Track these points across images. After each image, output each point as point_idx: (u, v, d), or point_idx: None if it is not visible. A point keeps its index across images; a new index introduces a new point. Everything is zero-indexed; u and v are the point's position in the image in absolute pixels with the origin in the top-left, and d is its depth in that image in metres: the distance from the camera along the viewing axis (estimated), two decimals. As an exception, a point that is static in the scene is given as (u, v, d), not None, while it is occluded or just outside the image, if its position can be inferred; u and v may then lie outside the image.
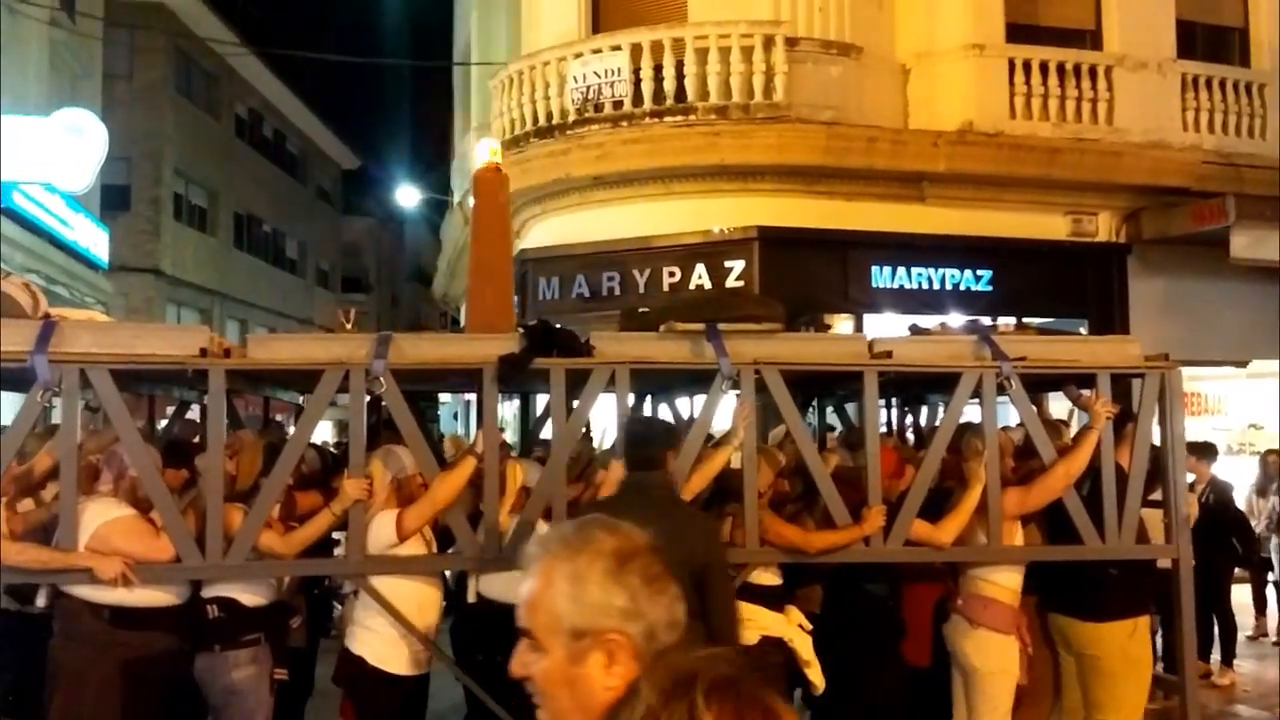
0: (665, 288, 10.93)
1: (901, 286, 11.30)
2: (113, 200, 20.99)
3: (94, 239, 18.49)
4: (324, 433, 14.82)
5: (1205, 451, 8.80)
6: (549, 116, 11.24)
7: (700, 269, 10.92)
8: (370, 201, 36.23)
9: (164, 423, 6.38)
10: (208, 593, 4.51)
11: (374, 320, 33.56)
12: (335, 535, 4.95)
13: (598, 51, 10.96)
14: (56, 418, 4.70)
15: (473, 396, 12.95)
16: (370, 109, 33.90)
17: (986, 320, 7.01)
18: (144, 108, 22.79)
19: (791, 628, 4.94)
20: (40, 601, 4.40)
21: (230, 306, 26.41)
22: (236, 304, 26.69)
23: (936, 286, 11.37)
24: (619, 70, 10.76)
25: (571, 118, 11.04)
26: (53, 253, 16.80)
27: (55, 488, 4.50)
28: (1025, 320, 10.55)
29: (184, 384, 5.32)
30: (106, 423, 4.63)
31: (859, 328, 11.03)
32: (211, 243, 26.20)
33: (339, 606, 7.53)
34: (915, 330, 5.61)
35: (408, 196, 25.34)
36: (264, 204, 29.43)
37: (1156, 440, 5.19)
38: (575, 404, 4.82)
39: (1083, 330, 11.35)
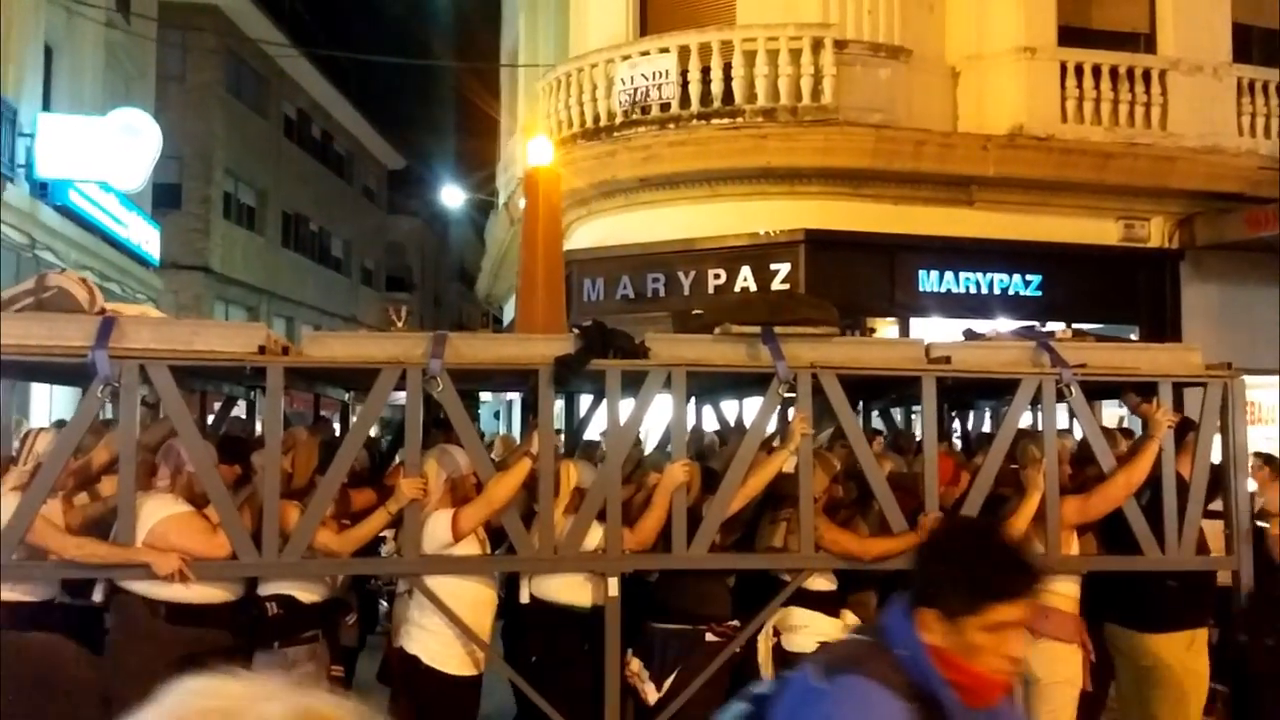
0: (710, 290, 10.92)
1: (949, 291, 11.20)
2: (164, 199, 21.30)
3: (146, 236, 18.77)
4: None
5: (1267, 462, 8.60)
6: (596, 118, 11.25)
7: (746, 271, 10.89)
8: (415, 201, 36.47)
9: (211, 419, 6.43)
10: (265, 590, 4.53)
11: (417, 319, 33.81)
12: (383, 534, 4.97)
13: (645, 54, 10.97)
14: (107, 412, 4.73)
15: (515, 396, 13.00)
16: (416, 110, 34.10)
17: (1035, 325, 6.92)
18: (196, 108, 23.12)
19: (848, 633, 4.91)
20: (97, 596, 4.42)
21: (277, 304, 26.71)
22: (283, 302, 26.99)
23: (984, 291, 11.26)
24: (666, 72, 10.76)
25: (619, 120, 11.05)
26: (106, 250, 17.07)
27: (111, 482, 4.52)
28: (1077, 326, 10.48)
29: (234, 380, 5.36)
30: (156, 418, 4.67)
31: (905, 332, 10.97)
32: (259, 241, 26.51)
33: (385, 604, 7.59)
34: (970, 335, 5.55)
35: (452, 197, 25.48)
36: (311, 203, 29.74)
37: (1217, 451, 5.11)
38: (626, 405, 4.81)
39: (1133, 337, 11.20)
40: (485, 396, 17.65)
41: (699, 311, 5.37)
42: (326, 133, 31.24)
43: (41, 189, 14.97)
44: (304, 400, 7.80)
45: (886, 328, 11.23)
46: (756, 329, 4.88)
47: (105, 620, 4.42)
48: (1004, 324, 8.40)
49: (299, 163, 29.03)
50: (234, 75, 25.09)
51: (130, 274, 18.28)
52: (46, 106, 15.63)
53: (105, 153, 15.07)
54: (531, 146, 5.79)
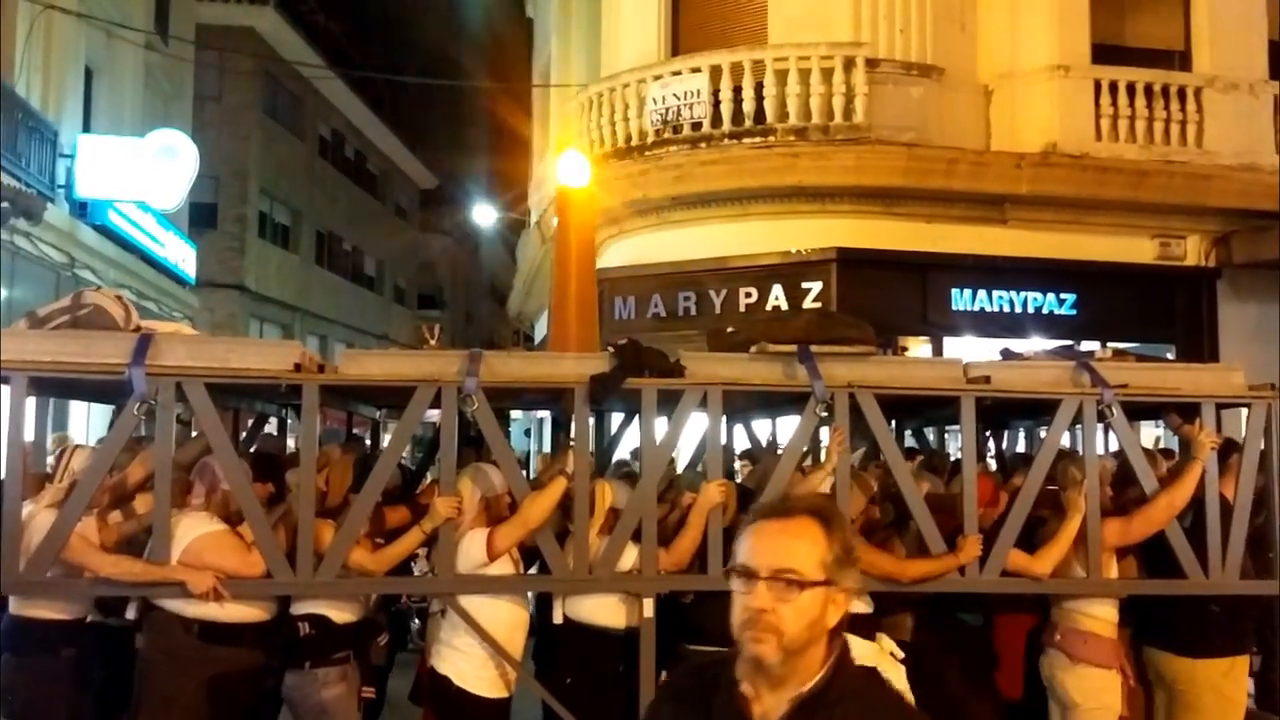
0: (742, 308, 10.89)
1: (982, 309, 11.13)
2: (200, 218, 21.57)
3: (182, 255, 19.00)
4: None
5: None
6: (628, 138, 11.29)
7: (777, 289, 10.86)
8: (447, 220, 36.75)
9: (243, 436, 6.44)
10: (298, 609, 4.53)
11: (449, 337, 33.96)
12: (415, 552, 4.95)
13: (677, 73, 11.00)
14: (140, 430, 4.74)
15: (545, 414, 13.03)
16: (449, 129, 34.35)
17: (1073, 345, 6.84)
18: (232, 128, 23.42)
19: (884, 656, 4.80)
20: (130, 614, 4.42)
21: (310, 322, 26.94)
22: (316, 320, 27.22)
23: (1018, 310, 11.17)
24: (698, 92, 10.78)
25: (650, 139, 11.08)
26: (144, 269, 17.29)
27: (146, 500, 4.53)
28: (1114, 345, 10.35)
29: (267, 398, 5.37)
30: (190, 436, 4.68)
31: (938, 351, 10.89)
32: (293, 260, 26.77)
33: (416, 622, 7.57)
34: (1007, 355, 5.49)
35: (484, 215, 25.67)
36: (344, 222, 30.02)
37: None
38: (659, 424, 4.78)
39: (1169, 356, 11.05)
40: (515, 414, 17.67)
41: (733, 329, 5.32)
42: (360, 153, 31.55)
43: (81, 209, 15.20)
44: (336, 418, 7.82)
45: (919, 347, 11.14)
46: (793, 348, 4.84)
47: (136, 640, 4.42)
48: (1040, 343, 8.33)
49: (333, 182, 29.33)
50: (270, 96, 25.41)
51: (167, 292, 18.50)
52: (86, 128, 15.88)
53: (143, 173, 15.27)
54: (562, 163, 5.77)
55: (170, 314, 18.25)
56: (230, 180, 23.59)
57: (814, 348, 4.81)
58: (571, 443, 4.76)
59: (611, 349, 4.88)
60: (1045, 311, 11.24)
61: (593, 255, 5.79)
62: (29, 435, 4.95)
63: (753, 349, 4.89)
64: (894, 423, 6.42)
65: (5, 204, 10.72)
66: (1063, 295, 11.25)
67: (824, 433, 5.18)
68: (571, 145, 11.50)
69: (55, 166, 14.58)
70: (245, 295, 23.76)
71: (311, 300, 27.00)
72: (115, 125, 16.51)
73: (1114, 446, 5.39)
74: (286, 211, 26.57)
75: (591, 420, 7.23)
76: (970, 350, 10.07)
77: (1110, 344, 10.42)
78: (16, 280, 12.76)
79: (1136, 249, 11.33)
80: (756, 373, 4.85)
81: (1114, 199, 10.95)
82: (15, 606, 4.43)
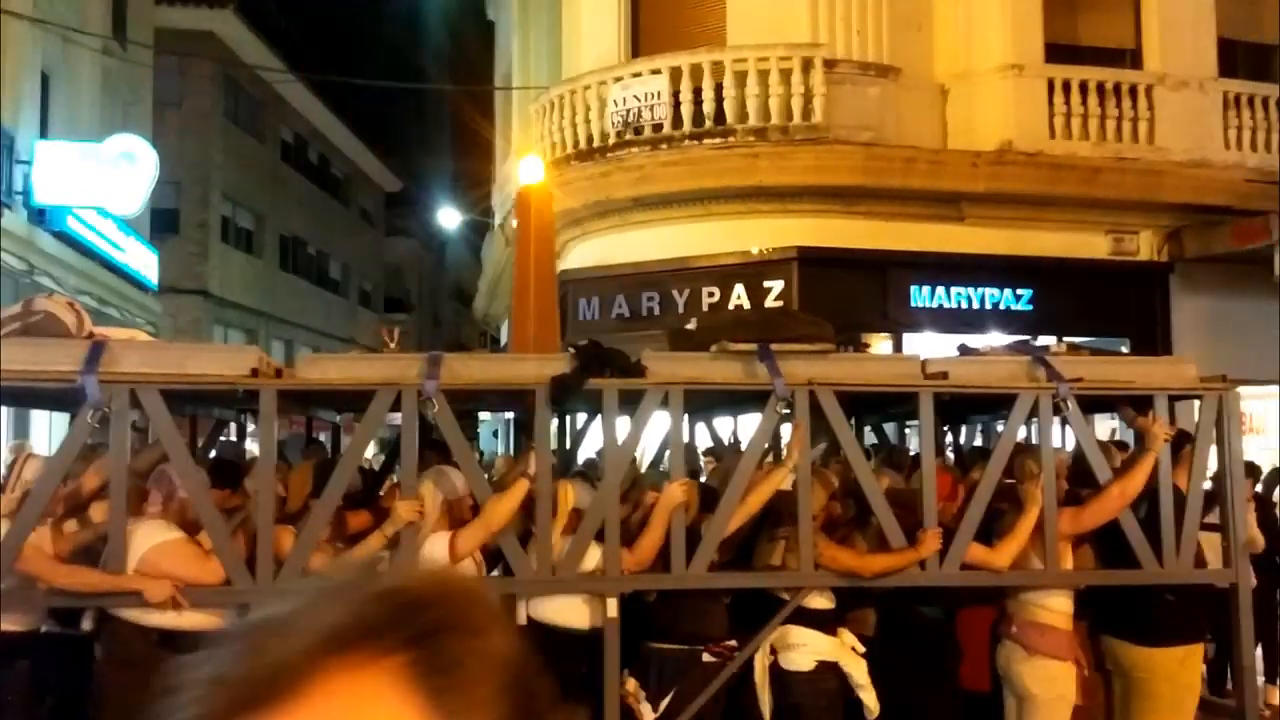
0: (705, 308, 10.92)
1: (941, 306, 11.23)
2: (162, 223, 21.31)
3: (144, 261, 18.78)
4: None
5: (1248, 471, 8.62)
6: (589, 139, 11.29)
7: (739, 289, 10.91)
8: (413, 223, 36.58)
9: (200, 442, 6.38)
10: (258, 615, 4.50)
11: (416, 340, 33.77)
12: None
13: (637, 75, 11.02)
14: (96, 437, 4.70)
15: (512, 415, 13.01)
16: (413, 132, 34.21)
17: (1029, 340, 6.93)
18: (193, 133, 23.16)
19: (845, 651, 4.89)
20: (86, 624, 4.38)
21: (276, 327, 26.69)
22: (282, 324, 26.98)
23: (976, 306, 11.29)
24: (658, 93, 10.80)
25: (612, 140, 11.09)
26: (104, 275, 17.09)
27: (101, 508, 4.49)
28: (1070, 340, 10.49)
29: (225, 404, 5.34)
30: (145, 443, 4.64)
31: (898, 347, 10.98)
32: (258, 264, 26.53)
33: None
34: (965, 350, 5.56)
35: (449, 218, 25.57)
36: (309, 226, 29.77)
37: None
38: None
39: (1124, 349, 11.21)
40: (484, 415, 17.63)
41: (692, 327, 5.35)
42: (324, 156, 31.31)
43: (39, 215, 15.00)
44: (298, 424, 7.76)
45: (880, 343, 11.23)
46: (753, 346, 4.88)
47: (94, 650, 4.37)
48: (997, 339, 8.43)
49: (296, 186, 29.08)
50: (231, 101, 25.15)
51: (129, 299, 18.30)
52: (44, 134, 15.66)
53: (102, 179, 15.10)
54: (522, 165, 5.80)
55: (133, 320, 18.05)
56: (192, 185, 23.33)
57: (774, 346, 4.85)
58: (533, 444, 4.76)
59: (572, 350, 4.89)
60: (1003, 307, 11.36)
61: (553, 257, 5.80)
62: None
63: (713, 348, 4.92)
64: (854, 419, 6.48)
65: (-42, 212, 10.55)
66: (1019, 291, 11.37)
67: (786, 430, 5.22)
68: (532, 149, 11.56)
69: (12, 173, 14.38)
70: (209, 300, 23.50)
71: (276, 305, 26.76)
72: (73, 131, 16.29)
73: (1071, 440, 5.47)
74: (250, 216, 26.33)
75: (555, 421, 7.29)
76: (930, 346, 10.16)
77: (1066, 338, 10.64)
78: (-29, 289, 12.59)
79: (1091, 245, 11.48)
80: (717, 372, 4.89)
81: (1068, 195, 11.08)
82: (-32, 617, 4.38)
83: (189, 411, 5.70)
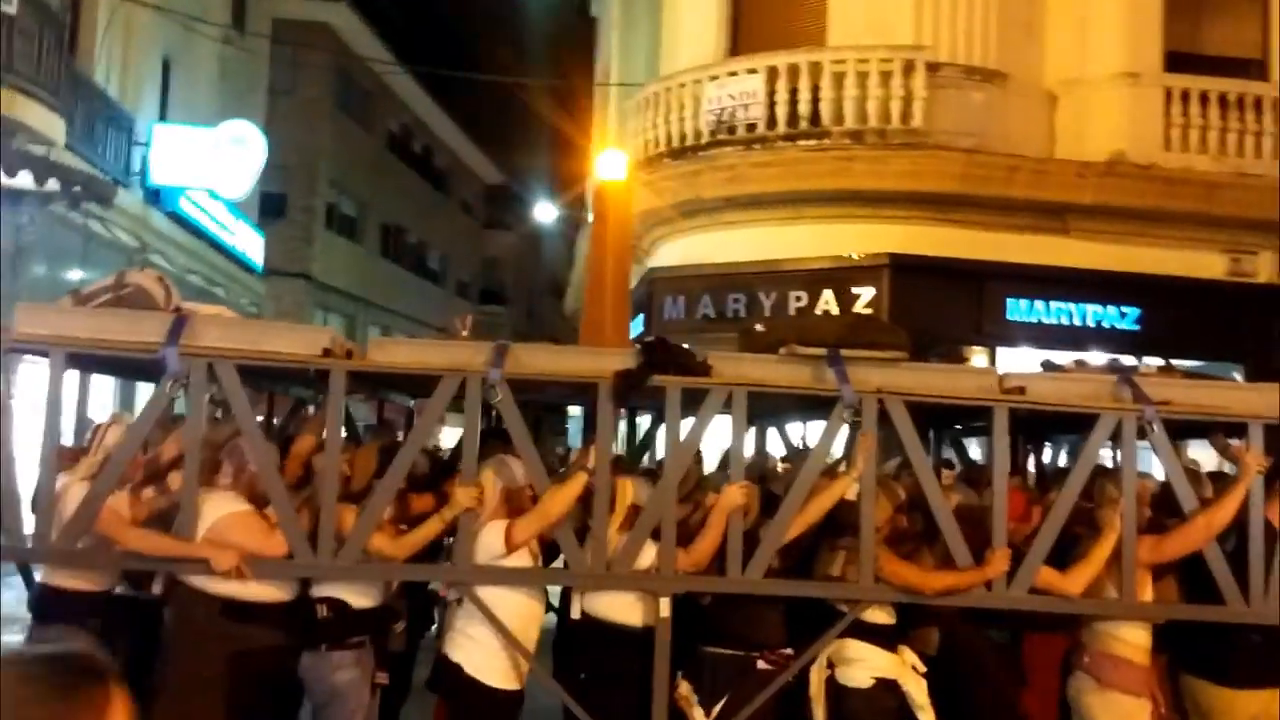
0: (791, 311, 10.80)
1: (1039, 321, 10.90)
2: (270, 208, 22.00)
3: (251, 244, 19.41)
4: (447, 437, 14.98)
5: None
6: (682, 138, 11.26)
7: (828, 294, 10.75)
8: (511, 216, 37.05)
9: (278, 421, 6.50)
10: (318, 592, 4.57)
11: (509, 331, 34.19)
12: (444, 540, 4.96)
13: (734, 74, 10.95)
14: (180, 408, 4.83)
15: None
16: (514, 126, 34.64)
17: (1130, 360, 6.66)
18: (304, 121, 23.84)
19: (905, 669, 4.75)
20: (156, 588, 4.49)
21: (374, 313, 27.32)
22: (380, 310, 27.60)
23: (1078, 322, 10.93)
24: (754, 93, 10.71)
25: (704, 139, 11.04)
26: (213, 255, 17.70)
27: (178, 476, 4.59)
28: (1176, 363, 10.06)
29: (302, 383, 5.43)
30: (227, 417, 4.75)
31: (993, 362, 10.66)
32: (359, 251, 27.18)
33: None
34: (1048, 366, 5.35)
35: (545, 212, 25.85)
36: (410, 216, 30.41)
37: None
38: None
39: (1237, 376, 10.70)
40: (574, 411, 17.73)
41: (761, 328, 5.26)
42: (428, 147, 31.93)
43: (154, 196, 15.60)
44: (395, 409, 7.82)
45: (976, 356, 10.94)
46: (822, 350, 4.77)
47: (164, 614, 4.50)
48: (1094, 356, 8.12)
49: (400, 176, 29.71)
50: (341, 90, 25.82)
51: (235, 279, 18.91)
52: (163, 117, 16.29)
53: (214, 162, 15.63)
54: (601, 160, 5.78)
55: (238, 301, 18.67)
56: (300, 171, 24.01)
57: (844, 352, 4.73)
58: (593, 438, 4.73)
59: (638, 346, 4.85)
60: (1106, 325, 10.97)
61: (629, 253, 5.78)
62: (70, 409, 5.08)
63: (781, 351, 4.83)
64: (932, 432, 6.31)
65: (78, 188, 11.02)
66: (1125, 309, 10.97)
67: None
68: (625, 145, 11.56)
69: (131, 154, 14.98)
70: (311, 284, 24.16)
71: (375, 291, 27.37)
72: (191, 116, 16.91)
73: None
74: (353, 203, 26.99)
75: (625, 420, 7.26)
76: (1025, 362, 9.85)
77: (1174, 361, 10.21)
78: (89, 262, 13.14)
79: (1205, 264, 11.00)
80: (784, 375, 4.78)
81: (1183, 211, 10.66)
82: (45, 575, 4.56)
83: (269, 389, 5.83)
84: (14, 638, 4.90)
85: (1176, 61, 10.89)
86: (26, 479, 4.44)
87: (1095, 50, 10.90)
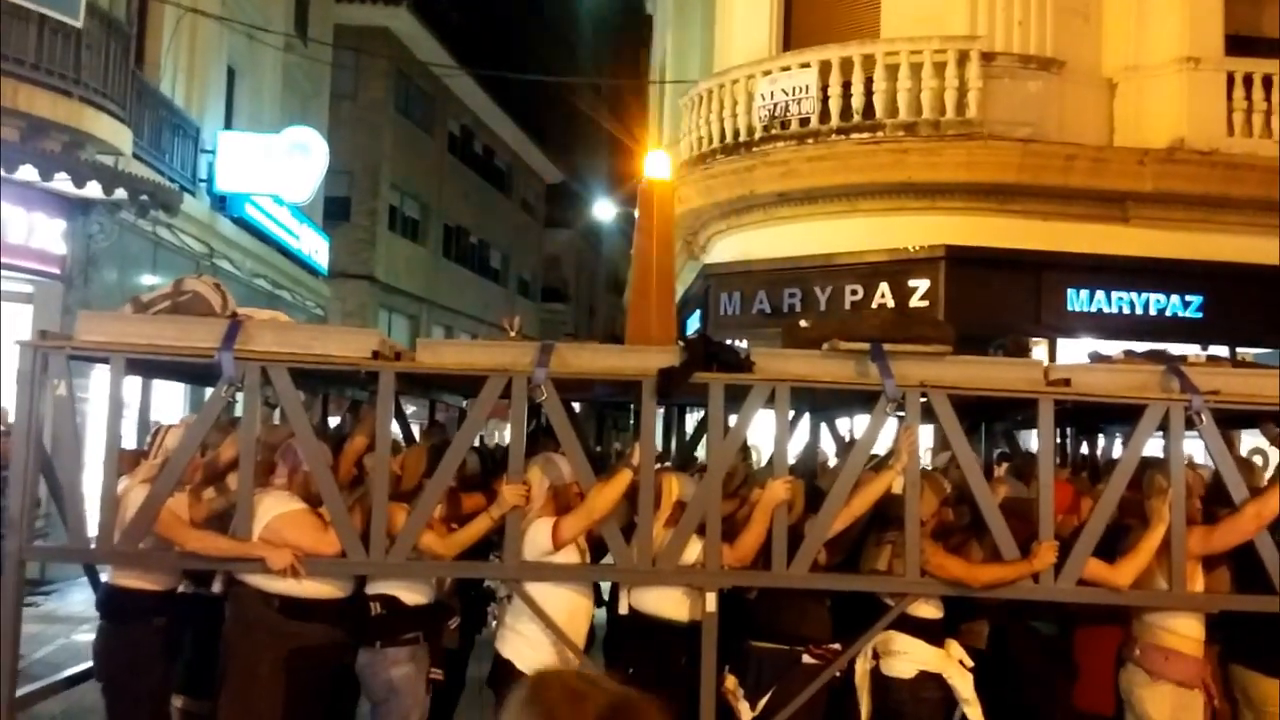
0: (847, 305, 10.75)
1: (1100, 311, 10.71)
2: (334, 211, 22.43)
3: (316, 247, 19.80)
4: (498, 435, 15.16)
5: None
6: (736, 134, 11.26)
7: (884, 287, 10.68)
8: (571, 214, 37.31)
9: (335, 420, 6.66)
10: (371, 589, 4.68)
11: (572, 329, 34.50)
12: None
13: (786, 69, 10.92)
14: (237, 411, 4.98)
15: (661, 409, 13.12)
16: (573, 125, 34.88)
17: (1186, 349, 6.54)
18: (365, 125, 24.27)
19: (951, 663, 4.74)
20: (216, 587, 4.65)
21: (437, 313, 27.71)
22: (443, 311, 27.99)
23: (1140, 312, 10.72)
24: (806, 87, 10.68)
25: (758, 135, 11.03)
26: (279, 259, 18.10)
27: (236, 477, 4.74)
28: (1241, 351, 9.84)
29: (357, 384, 5.57)
30: (283, 419, 4.89)
31: (1053, 353, 10.53)
32: (422, 252, 27.58)
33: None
34: (1095, 357, 5.29)
35: (604, 210, 26.02)
36: (471, 216, 30.76)
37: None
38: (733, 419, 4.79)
39: (1307, 364, 10.44)
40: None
41: (805, 324, 5.28)
42: (488, 148, 32.26)
43: (220, 202, 16.00)
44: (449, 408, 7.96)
45: (1036, 348, 10.80)
46: (865, 345, 4.78)
47: (225, 610, 4.65)
48: (1140, 346, 7.98)
49: (461, 177, 30.08)
50: (402, 94, 26.22)
51: (301, 282, 19.31)
52: (228, 125, 16.69)
53: (277, 168, 15.98)
54: (648, 160, 5.84)
55: (304, 303, 19.08)
56: (363, 175, 24.45)
57: (887, 346, 4.73)
58: (638, 435, 4.79)
59: (681, 343, 4.90)
60: (1169, 314, 10.75)
61: (672, 251, 5.81)
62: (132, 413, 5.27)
63: (825, 346, 4.84)
64: (984, 425, 6.27)
65: (145, 196, 11.36)
66: (1189, 297, 10.74)
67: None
68: (669, 141, 11.58)
69: (197, 161, 15.39)
70: (375, 286, 24.58)
71: (438, 292, 27.76)
72: (255, 123, 17.32)
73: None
74: (416, 205, 27.39)
75: (677, 418, 7.30)
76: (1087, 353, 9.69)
77: (1239, 349, 9.98)
78: (159, 268, 13.54)
79: (1270, 250, 10.67)
80: (827, 370, 4.80)
81: (1246, 197, 10.38)
82: (111, 576, 4.73)
83: (323, 390, 5.97)
84: (84, 637, 5.09)
85: (1237, 45, 10.62)
86: (93, 482, 4.61)
87: (1154, 35, 10.67)
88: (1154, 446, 4.89)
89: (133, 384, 5.17)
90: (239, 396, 4.62)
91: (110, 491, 4.53)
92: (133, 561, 4.59)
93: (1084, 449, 6.60)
